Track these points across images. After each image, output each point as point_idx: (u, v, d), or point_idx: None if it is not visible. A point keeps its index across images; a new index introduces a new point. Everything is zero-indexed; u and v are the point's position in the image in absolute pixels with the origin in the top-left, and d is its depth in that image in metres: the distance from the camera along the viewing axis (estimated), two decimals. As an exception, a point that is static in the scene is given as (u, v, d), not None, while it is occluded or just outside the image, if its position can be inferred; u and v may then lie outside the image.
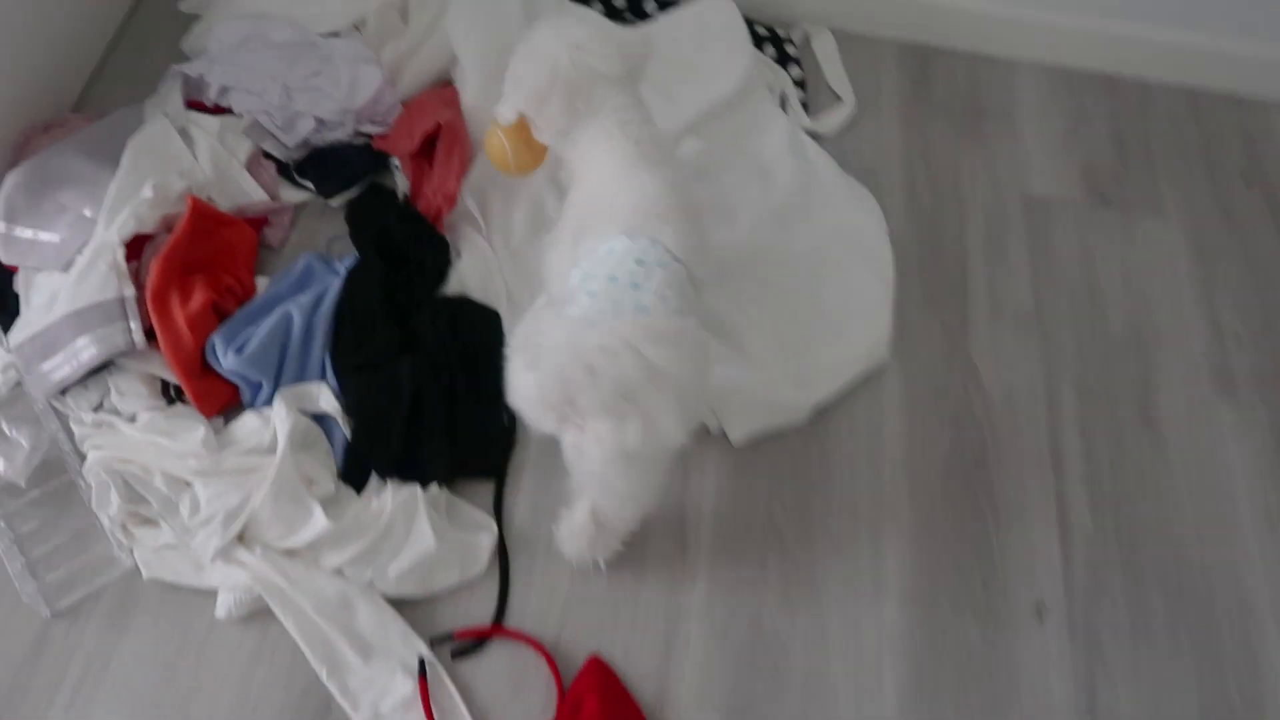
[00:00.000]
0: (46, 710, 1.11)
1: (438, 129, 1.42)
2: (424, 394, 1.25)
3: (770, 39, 1.72)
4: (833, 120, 1.65)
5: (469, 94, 1.50)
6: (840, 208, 1.53)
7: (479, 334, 1.33)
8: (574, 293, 1.06)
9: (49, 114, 1.49)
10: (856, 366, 1.37)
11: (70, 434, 1.24)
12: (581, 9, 1.67)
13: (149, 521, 1.19)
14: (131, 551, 1.18)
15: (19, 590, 1.16)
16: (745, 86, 1.60)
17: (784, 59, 1.71)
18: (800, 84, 1.69)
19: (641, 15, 1.72)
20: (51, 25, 1.50)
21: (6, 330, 1.30)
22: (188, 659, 1.15)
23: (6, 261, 1.34)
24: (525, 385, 0.96)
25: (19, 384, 1.27)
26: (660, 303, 1.03)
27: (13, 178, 1.36)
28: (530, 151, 1.23)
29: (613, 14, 1.72)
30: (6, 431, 1.23)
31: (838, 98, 1.69)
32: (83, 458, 1.22)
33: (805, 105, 1.67)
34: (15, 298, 1.33)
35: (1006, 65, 1.77)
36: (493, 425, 1.28)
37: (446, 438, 1.24)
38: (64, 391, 1.27)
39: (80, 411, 1.25)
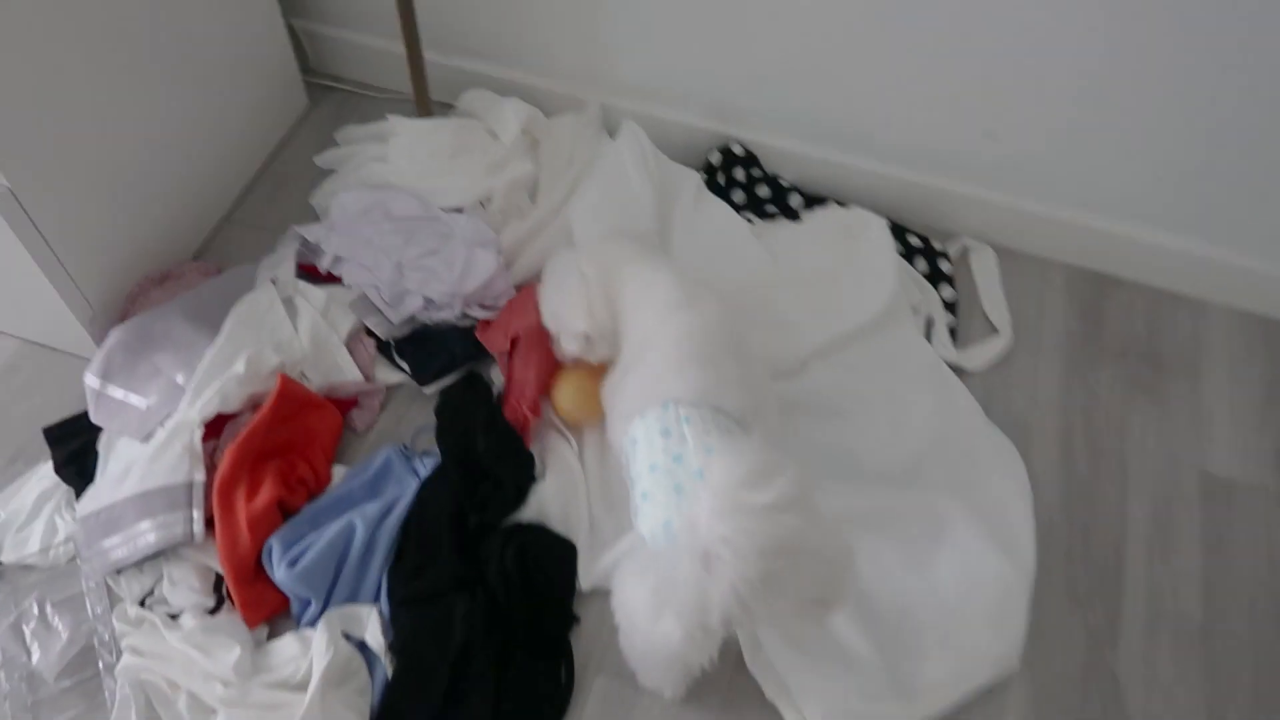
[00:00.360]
0: None
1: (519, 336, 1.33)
2: (474, 643, 1.13)
3: (923, 251, 1.56)
4: (983, 354, 1.47)
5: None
6: (978, 465, 1.34)
7: (548, 572, 1.21)
8: (635, 507, 1.02)
9: (170, 261, 1.48)
10: (977, 678, 1.16)
11: (111, 626, 1.18)
12: (717, 203, 1.56)
13: (166, 747, 1.11)
14: (144, 772, 1.10)
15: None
16: (888, 309, 1.44)
17: (936, 276, 1.54)
18: (951, 306, 1.52)
19: (789, 212, 1.60)
20: (190, 171, 1.50)
21: (79, 494, 1.27)
22: None
23: (95, 420, 1.31)
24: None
25: (74, 558, 1.23)
26: (710, 455, 0.95)
27: (115, 334, 1.34)
28: (593, 403, 1.24)
29: (758, 210, 1.60)
30: (49, 616, 1.18)
31: (993, 328, 1.51)
32: (118, 655, 1.15)
33: (954, 332, 1.49)
34: (96, 458, 1.30)
35: (1195, 306, 1.55)
36: (546, 682, 1.15)
37: (493, 698, 1.12)
38: (119, 571, 1.22)
39: (129, 600, 1.19)
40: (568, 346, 1.21)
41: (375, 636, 1.16)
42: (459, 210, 1.50)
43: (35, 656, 1.16)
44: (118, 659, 1.15)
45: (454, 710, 1.12)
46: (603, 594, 1.19)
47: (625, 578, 0.97)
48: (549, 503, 1.27)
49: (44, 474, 1.30)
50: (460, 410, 1.35)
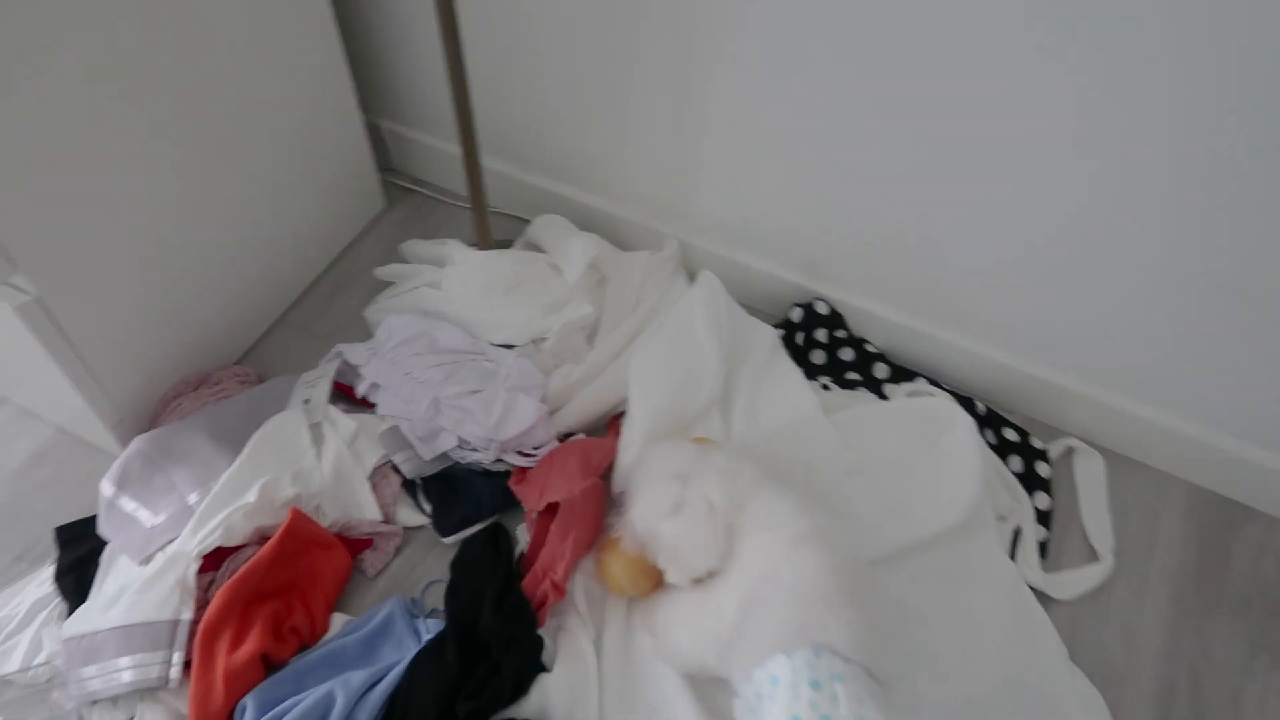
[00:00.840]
0: None
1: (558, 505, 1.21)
2: None
3: (1020, 448, 1.38)
4: (1077, 583, 1.27)
5: (631, 454, 1.28)
6: (1055, 716, 1.15)
7: (536, 786, 1.08)
8: None
9: (211, 365, 1.43)
10: None
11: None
12: (790, 368, 1.42)
13: None
14: None
15: None
16: (968, 518, 1.27)
17: (1031, 479, 1.36)
18: (1045, 517, 1.33)
19: (872, 383, 1.45)
20: (249, 273, 1.45)
21: (72, 609, 1.21)
22: None
23: (101, 531, 1.26)
24: None
25: (52, 680, 1.17)
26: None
27: (137, 443, 1.28)
28: (649, 580, 1.18)
29: (839, 375, 1.46)
30: (9, 748, 1.11)
31: (1091, 551, 1.31)
32: (70, 804, 1.08)
33: (1044, 548, 1.31)
34: (97, 569, 1.24)
35: (1344, 553, 1.32)
36: None
37: None
38: (94, 703, 1.15)
39: (96, 738, 1.12)
40: (677, 578, 1.11)
41: (335, 828, 1.05)
42: (510, 347, 1.40)
43: (-15, 793, 1.09)
44: (68, 807, 1.08)
45: None
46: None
47: None
48: (554, 697, 1.14)
49: (45, 579, 1.25)
50: (476, 569, 1.23)
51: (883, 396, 1.44)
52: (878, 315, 1.47)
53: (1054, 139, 1.12)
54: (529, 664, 1.15)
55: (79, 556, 1.26)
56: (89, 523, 1.28)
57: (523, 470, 1.31)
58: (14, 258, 1.11)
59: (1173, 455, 1.37)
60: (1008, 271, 1.30)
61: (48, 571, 1.25)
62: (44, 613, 1.22)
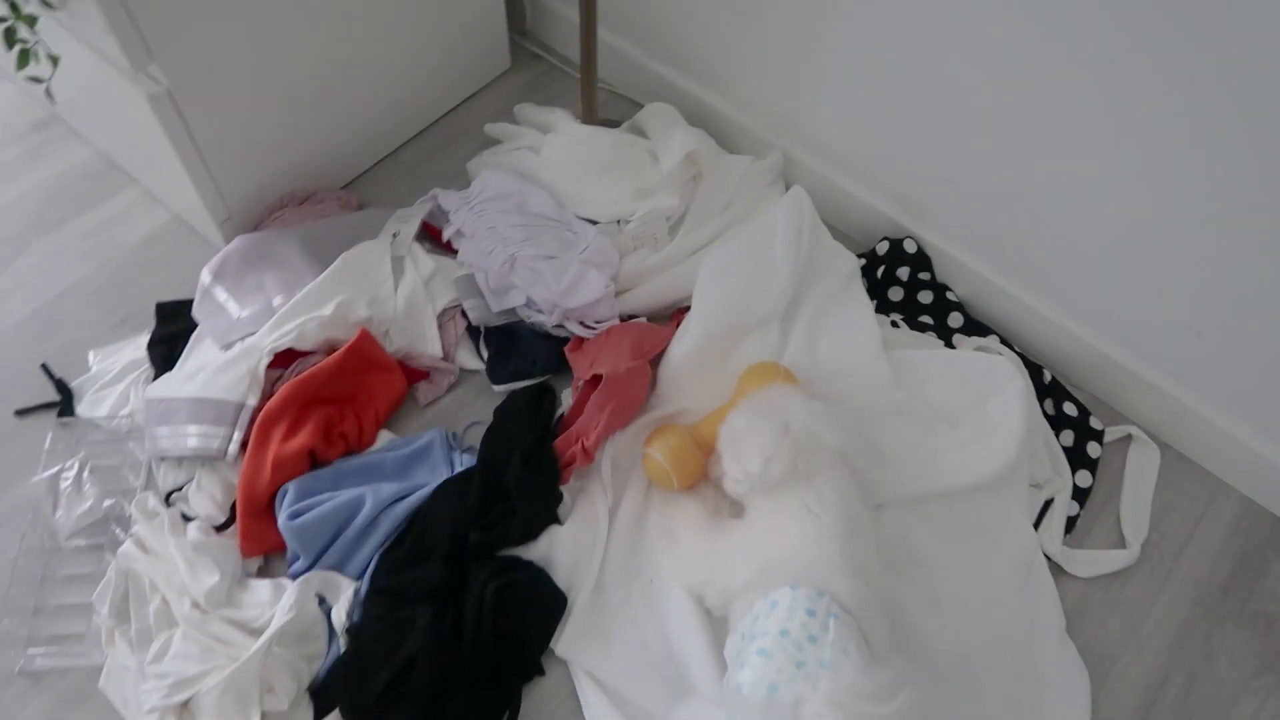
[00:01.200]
0: (-56, 769, 1.11)
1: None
2: (421, 660, 1.09)
3: (1076, 424, 1.36)
4: (1096, 564, 1.26)
5: (682, 346, 1.32)
6: (1035, 686, 1.16)
7: (526, 619, 1.15)
8: (739, 656, 0.99)
9: (319, 185, 1.52)
10: None
11: (127, 516, 1.23)
12: (862, 301, 1.41)
13: (126, 637, 1.16)
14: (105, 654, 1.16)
15: (8, 629, 1.17)
16: (997, 477, 1.27)
17: (1079, 456, 1.34)
18: (1082, 495, 1.31)
19: (944, 330, 1.44)
20: (369, 105, 1.53)
21: (157, 375, 1.34)
22: (81, 794, 1.10)
23: (194, 314, 1.37)
24: None
25: (131, 431, 1.30)
26: (844, 658, 0.93)
27: (238, 242, 1.39)
28: (694, 469, 1.24)
29: (912, 316, 1.45)
30: (84, 479, 1.25)
31: (1121, 537, 1.30)
32: (124, 537, 1.21)
33: (1072, 523, 1.30)
34: (183, 347, 1.36)
35: (1389, 601, 1.26)
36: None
37: (419, 718, 1.08)
38: (163, 459, 1.28)
39: (161, 486, 1.25)
40: (721, 471, 1.15)
41: (342, 612, 1.15)
42: (594, 223, 1.44)
43: (59, 513, 1.23)
44: (123, 540, 1.21)
45: (381, 717, 1.09)
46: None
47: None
48: (560, 549, 1.21)
49: (140, 344, 1.38)
50: (516, 419, 1.31)
51: (950, 346, 1.43)
52: (965, 264, 1.44)
53: (1194, 123, 1.07)
54: (543, 514, 1.23)
55: (171, 332, 1.38)
56: (185, 304, 1.40)
57: (580, 340, 1.37)
58: (151, 49, 1.20)
59: (1233, 465, 1.33)
60: (1109, 248, 1.25)
61: (143, 339, 1.38)
62: (135, 374, 1.36)
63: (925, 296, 1.47)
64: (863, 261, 1.47)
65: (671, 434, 1.24)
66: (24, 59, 1.20)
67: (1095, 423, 1.36)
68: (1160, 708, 1.18)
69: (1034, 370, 1.39)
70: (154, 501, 1.23)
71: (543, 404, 1.33)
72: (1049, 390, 1.38)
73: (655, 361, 1.35)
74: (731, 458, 1.14)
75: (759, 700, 0.91)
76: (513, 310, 1.38)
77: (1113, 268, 1.27)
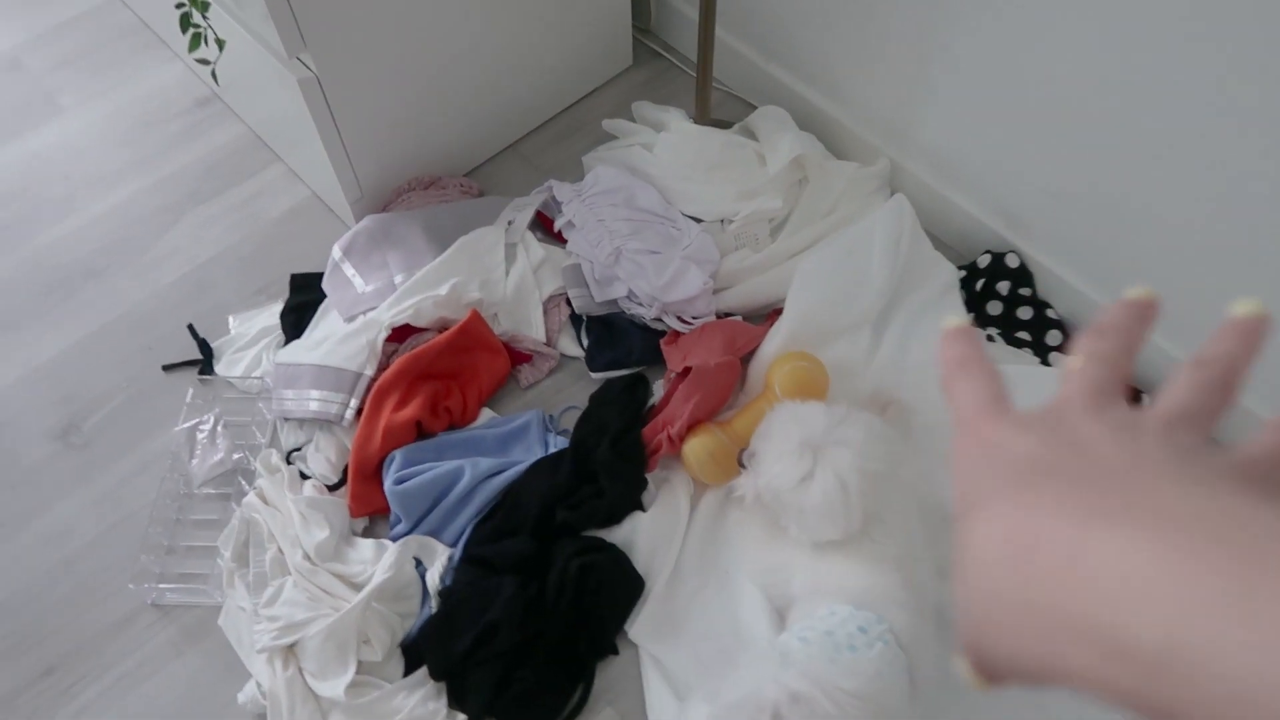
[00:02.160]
0: (84, 684, 1.24)
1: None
2: (503, 627, 1.17)
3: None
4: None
5: (773, 345, 1.35)
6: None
7: (604, 598, 1.22)
8: (784, 643, 1.03)
9: (443, 171, 1.61)
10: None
11: (252, 470, 1.35)
12: (960, 317, 1.41)
13: (244, 580, 1.27)
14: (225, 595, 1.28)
15: (145, 565, 1.31)
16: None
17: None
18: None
19: (1041, 348, 1.43)
20: (496, 96, 1.61)
21: (286, 342, 1.46)
22: (197, 717, 1.22)
23: (324, 286, 1.48)
24: None
25: (261, 392, 1.43)
26: (876, 678, 0.97)
27: (367, 221, 1.49)
28: (721, 472, 1.26)
29: (1009, 331, 1.45)
30: (218, 432, 1.38)
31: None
32: (247, 491, 1.33)
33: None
34: (312, 317, 1.48)
35: None
36: (550, 694, 1.18)
37: (494, 683, 1.16)
38: (287, 419, 1.40)
39: (284, 445, 1.37)
40: (798, 536, 1.13)
41: (435, 575, 1.24)
42: (698, 221, 1.49)
43: (194, 461, 1.37)
44: (248, 492, 1.33)
45: (463, 676, 1.18)
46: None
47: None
48: (641, 535, 1.27)
49: (274, 312, 1.50)
50: (609, 406, 1.37)
51: (1046, 364, 1.42)
52: (1068, 282, 1.43)
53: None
54: (628, 498, 1.29)
55: (302, 302, 1.50)
56: (316, 277, 1.51)
57: (676, 334, 1.42)
58: (305, 37, 1.30)
59: None
60: (1222, 276, 1.23)
61: (277, 307, 1.50)
62: (267, 339, 1.48)
63: (1025, 313, 1.46)
64: (963, 273, 1.47)
65: (704, 435, 1.28)
66: (195, 42, 1.32)
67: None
68: None
69: (1133, 394, 1.37)
70: (276, 458, 1.35)
71: (636, 393, 1.39)
72: (1148, 415, 1.36)
73: (748, 359, 1.39)
74: (793, 521, 1.12)
75: (763, 668, 0.98)
76: (614, 301, 1.45)
77: (1225, 296, 1.24)
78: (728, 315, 1.46)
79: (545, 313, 1.46)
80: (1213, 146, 1.13)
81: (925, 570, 1.09)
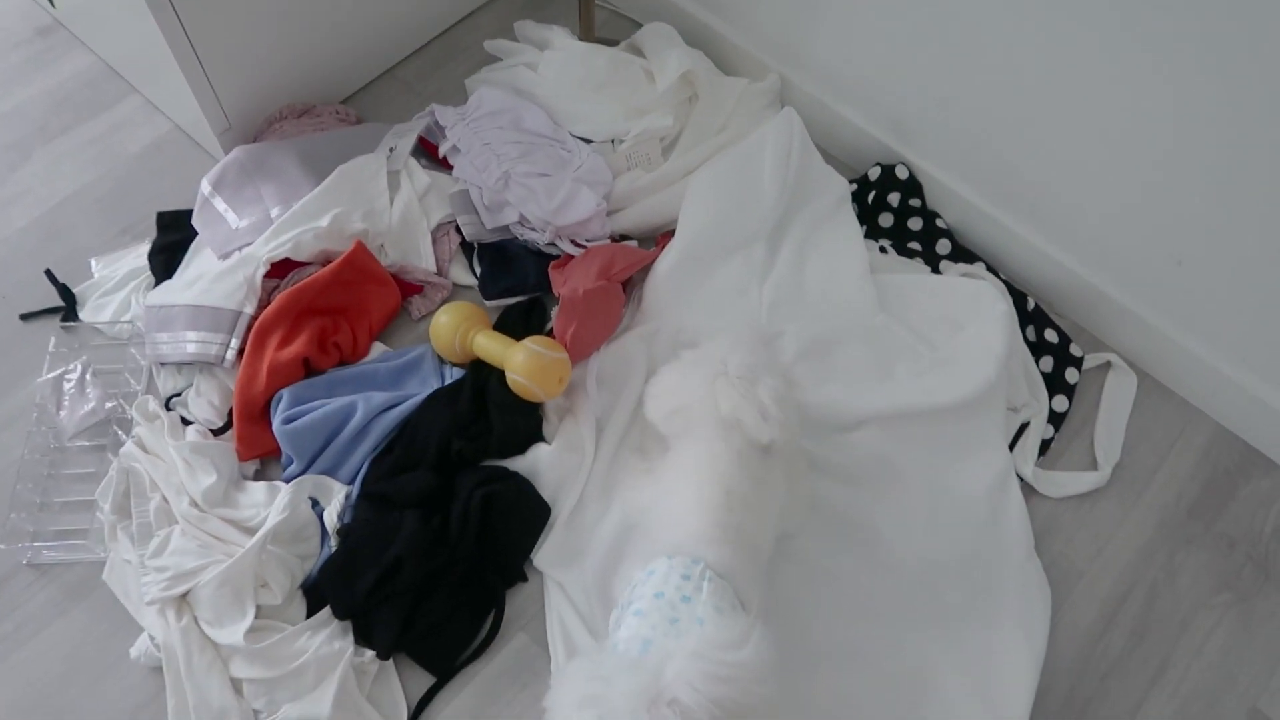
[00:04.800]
0: (-39, 649, 1.17)
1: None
2: (406, 562, 1.14)
3: (1056, 350, 1.38)
4: (1066, 485, 1.30)
5: (667, 262, 1.34)
6: (998, 600, 1.20)
7: (509, 526, 1.20)
8: (618, 619, 1.02)
9: (318, 98, 1.53)
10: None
11: (129, 418, 1.28)
12: (850, 224, 1.42)
13: (128, 532, 1.21)
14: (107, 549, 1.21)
15: (15, 524, 1.22)
16: (977, 398, 1.29)
17: (1057, 382, 1.37)
18: (1058, 419, 1.35)
19: (931, 257, 1.45)
20: (370, 19, 1.52)
21: (157, 283, 1.37)
22: (87, 674, 1.16)
23: (194, 223, 1.40)
24: None
25: (132, 337, 1.34)
26: (717, 615, 0.97)
27: (237, 153, 1.41)
28: (555, 381, 1.24)
29: (901, 242, 1.47)
30: (86, 381, 1.29)
31: (1094, 460, 1.33)
32: (126, 438, 1.26)
33: (1046, 446, 1.33)
34: (183, 256, 1.39)
35: (1352, 529, 1.30)
36: (459, 625, 1.16)
37: (402, 618, 1.13)
38: (163, 364, 1.32)
39: (161, 391, 1.30)
40: (649, 406, 1.17)
41: (333, 514, 1.20)
42: (588, 142, 1.45)
43: (63, 413, 1.28)
44: (125, 441, 1.26)
45: (369, 614, 1.15)
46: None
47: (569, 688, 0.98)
48: (546, 466, 1.24)
49: (141, 253, 1.41)
50: (506, 334, 1.33)
51: (937, 272, 1.45)
52: (955, 191, 1.45)
53: (1186, 47, 1.07)
54: (521, 426, 1.26)
55: (172, 241, 1.41)
56: (185, 214, 1.42)
57: (567, 258, 1.39)
58: (152, -48, 1.21)
59: (1208, 392, 1.35)
60: (1093, 174, 1.26)
61: (144, 247, 1.41)
62: (135, 281, 1.39)
63: (915, 223, 1.48)
64: (854, 186, 1.48)
65: (532, 350, 1.24)
66: (22, -38, 1.21)
67: (1075, 349, 1.39)
68: (1120, 620, 1.23)
69: (1018, 297, 1.41)
70: (154, 405, 1.27)
71: (531, 320, 1.36)
72: (1031, 317, 1.41)
73: (628, 283, 1.37)
74: (656, 391, 1.16)
75: (632, 657, 0.93)
76: (506, 227, 1.41)
77: (1098, 196, 1.28)
78: (623, 238, 1.44)
79: (434, 241, 1.41)
80: (1086, 49, 1.15)
81: (749, 522, 1.08)
